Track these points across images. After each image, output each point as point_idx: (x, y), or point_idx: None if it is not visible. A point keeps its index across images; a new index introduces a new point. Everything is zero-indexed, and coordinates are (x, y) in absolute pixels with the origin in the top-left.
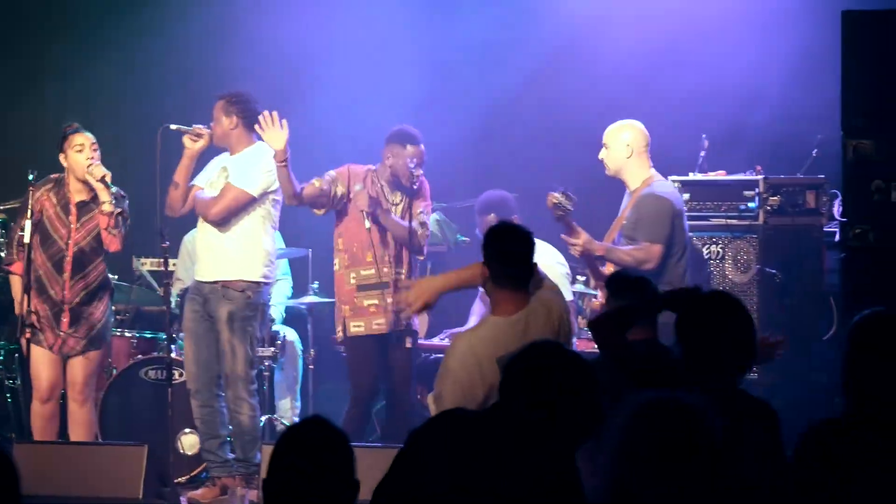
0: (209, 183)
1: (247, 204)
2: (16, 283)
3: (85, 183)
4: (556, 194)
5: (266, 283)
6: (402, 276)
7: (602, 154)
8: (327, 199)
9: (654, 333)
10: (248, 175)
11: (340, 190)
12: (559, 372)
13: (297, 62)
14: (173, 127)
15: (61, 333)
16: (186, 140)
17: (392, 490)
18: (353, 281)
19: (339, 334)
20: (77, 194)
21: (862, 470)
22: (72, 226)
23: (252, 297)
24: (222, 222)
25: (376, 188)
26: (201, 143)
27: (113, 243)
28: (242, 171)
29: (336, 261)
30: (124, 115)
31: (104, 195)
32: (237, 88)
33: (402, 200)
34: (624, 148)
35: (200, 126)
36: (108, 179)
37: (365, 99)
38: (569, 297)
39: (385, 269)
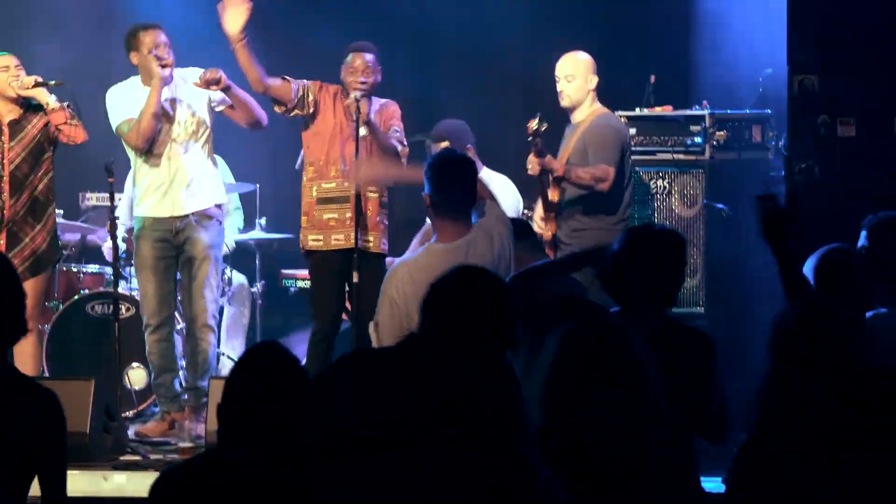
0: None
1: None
2: None
3: (14, 101)
4: (534, 121)
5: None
6: (374, 195)
7: (563, 86)
8: (293, 97)
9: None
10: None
11: (311, 97)
12: (486, 298)
13: None
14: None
15: None
16: (155, 68)
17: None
18: (314, 193)
19: (302, 247)
20: (7, 114)
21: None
22: (5, 145)
23: (221, 221)
24: (199, 163)
25: (346, 104)
26: (168, 69)
27: (79, 135)
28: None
29: (304, 173)
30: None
31: (44, 97)
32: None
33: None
34: (592, 80)
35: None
36: (40, 80)
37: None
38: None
39: (347, 184)
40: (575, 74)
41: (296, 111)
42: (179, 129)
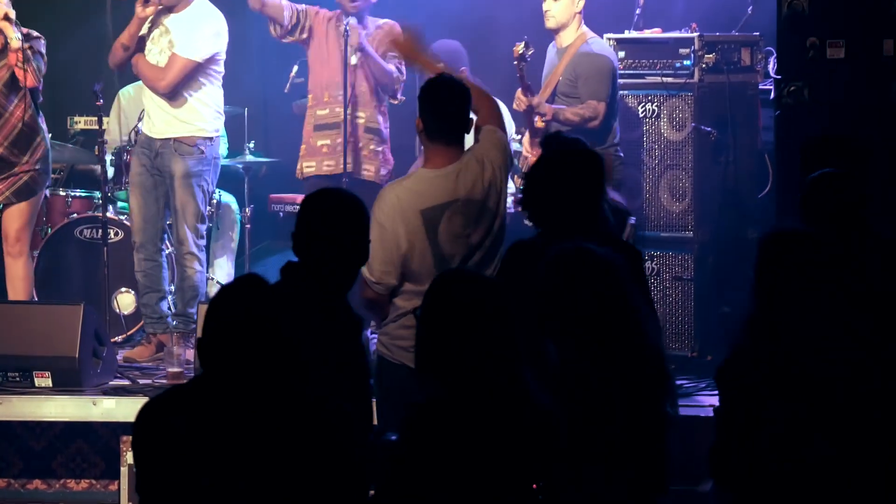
0: (150, 40)
1: (195, 71)
2: None
3: None
4: (521, 45)
5: (217, 136)
6: (361, 121)
7: (549, 5)
8: (285, 22)
9: None
10: (193, 41)
11: (306, 23)
12: (348, 213)
13: None
14: None
15: None
16: (137, 7)
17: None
18: (313, 121)
19: (298, 173)
20: None
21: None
22: None
23: (205, 151)
24: (172, 92)
25: (340, 30)
26: (151, 9)
27: (27, 79)
28: (187, 37)
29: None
30: None
31: (9, 31)
32: None
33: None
34: (579, 2)
35: None
36: (11, 16)
37: None
38: None
39: (338, 110)
40: None
41: (289, 37)
42: (162, 57)
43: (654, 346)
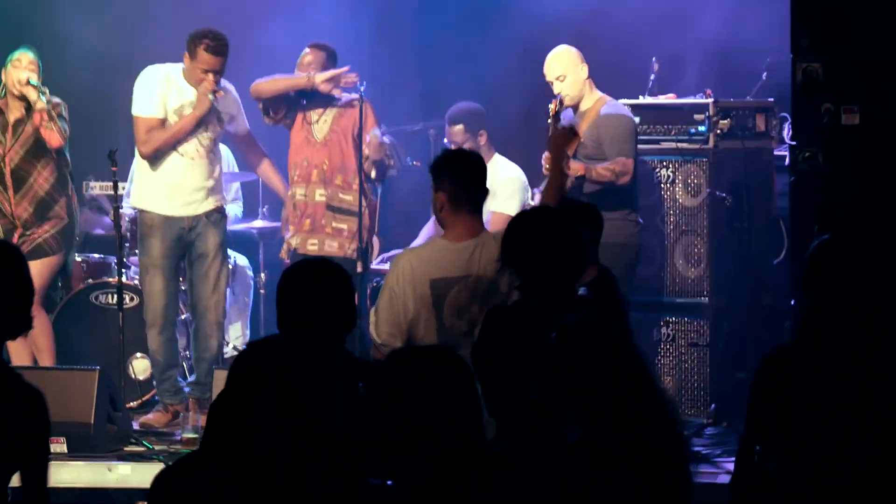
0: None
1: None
2: None
3: (21, 99)
4: (556, 102)
5: None
6: (322, 199)
7: (559, 87)
8: (284, 111)
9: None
10: (242, 115)
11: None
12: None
13: None
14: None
15: None
16: (206, 97)
17: (225, 409)
18: (297, 198)
19: (283, 252)
20: (14, 112)
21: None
22: (7, 143)
23: (226, 215)
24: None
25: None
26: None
27: (52, 138)
28: (236, 113)
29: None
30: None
31: (32, 94)
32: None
33: (320, 117)
34: (584, 70)
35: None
36: (33, 80)
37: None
38: (516, 210)
39: (322, 191)
40: (565, 73)
41: (274, 121)
42: (207, 133)
43: (672, 412)
